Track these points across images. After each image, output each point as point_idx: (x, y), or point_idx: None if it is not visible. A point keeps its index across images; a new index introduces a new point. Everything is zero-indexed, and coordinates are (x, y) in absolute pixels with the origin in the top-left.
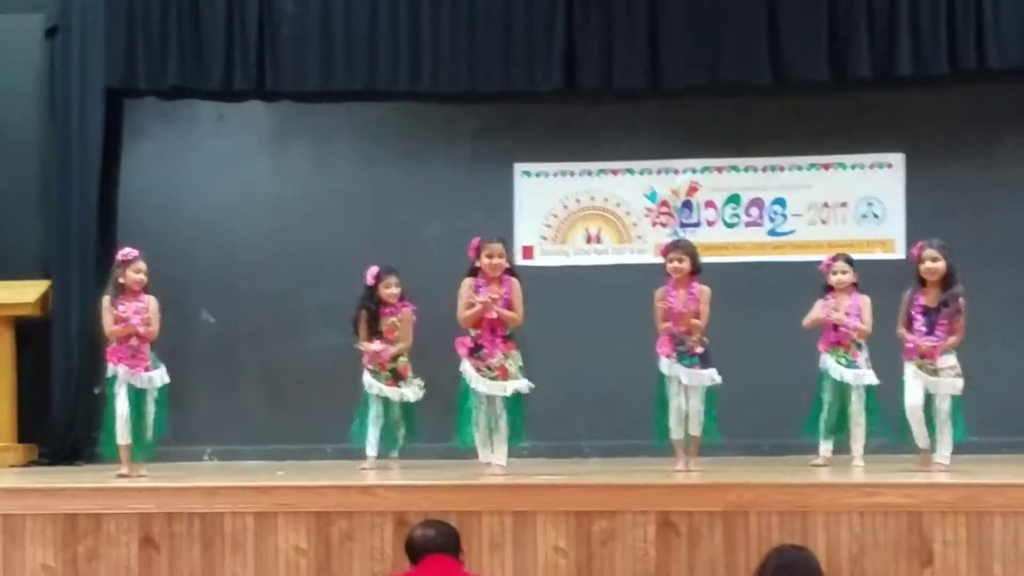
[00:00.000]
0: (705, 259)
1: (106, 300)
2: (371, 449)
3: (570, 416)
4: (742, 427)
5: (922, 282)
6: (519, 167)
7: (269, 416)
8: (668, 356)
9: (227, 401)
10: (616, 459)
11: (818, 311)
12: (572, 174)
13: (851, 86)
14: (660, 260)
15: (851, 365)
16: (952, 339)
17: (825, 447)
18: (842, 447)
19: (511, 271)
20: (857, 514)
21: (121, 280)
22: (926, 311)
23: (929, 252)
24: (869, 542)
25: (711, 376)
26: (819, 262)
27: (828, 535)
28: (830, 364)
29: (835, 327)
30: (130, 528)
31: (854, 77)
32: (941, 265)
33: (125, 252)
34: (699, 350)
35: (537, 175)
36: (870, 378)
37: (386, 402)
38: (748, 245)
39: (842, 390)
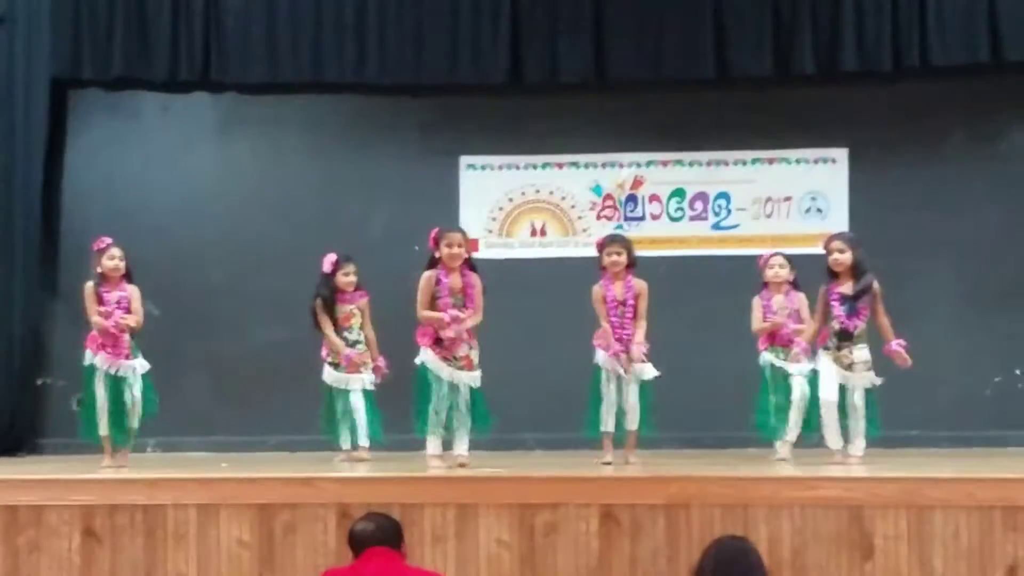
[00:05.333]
0: (649, 253)
1: (88, 287)
2: (345, 442)
3: (514, 409)
4: (685, 420)
5: (833, 275)
6: (464, 160)
7: (213, 407)
8: (605, 348)
9: (171, 392)
10: (560, 452)
11: (758, 315)
12: (517, 167)
13: (795, 81)
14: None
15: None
16: (885, 320)
17: (781, 441)
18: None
19: (470, 263)
20: (799, 507)
21: (99, 269)
22: (843, 299)
23: (835, 244)
24: (810, 535)
25: (649, 370)
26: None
27: (770, 528)
28: (770, 359)
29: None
30: (72, 520)
31: (798, 72)
32: (847, 256)
33: (98, 240)
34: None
35: (482, 168)
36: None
37: (346, 393)
38: (692, 239)
39: (783, 383)
